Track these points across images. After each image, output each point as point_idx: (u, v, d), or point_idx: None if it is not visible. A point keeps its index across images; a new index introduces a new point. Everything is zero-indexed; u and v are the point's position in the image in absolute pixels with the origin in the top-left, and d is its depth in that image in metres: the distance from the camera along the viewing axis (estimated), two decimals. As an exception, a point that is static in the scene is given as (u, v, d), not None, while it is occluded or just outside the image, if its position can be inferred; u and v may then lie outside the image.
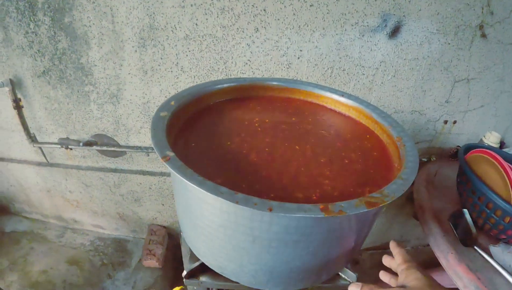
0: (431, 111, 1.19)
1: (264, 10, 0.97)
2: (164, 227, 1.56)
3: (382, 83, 1.12)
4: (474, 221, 0.89)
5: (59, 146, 1.25)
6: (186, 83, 1.11)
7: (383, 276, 0.54)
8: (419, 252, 1.63)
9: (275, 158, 0.54)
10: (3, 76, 1.15)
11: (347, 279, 0.62)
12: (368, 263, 1.61)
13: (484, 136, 1.18)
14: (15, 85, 1.17)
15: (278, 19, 0.99)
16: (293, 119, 0.69)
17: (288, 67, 1.08)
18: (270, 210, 0.35)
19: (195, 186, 0.38)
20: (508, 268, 0.79)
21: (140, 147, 1.26)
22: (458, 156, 0.95)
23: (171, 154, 0.45)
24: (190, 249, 0.61)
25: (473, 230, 0.87)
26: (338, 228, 0.43)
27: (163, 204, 1.48)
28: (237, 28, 1.01)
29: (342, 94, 0.74)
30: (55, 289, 1.30)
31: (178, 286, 0.81)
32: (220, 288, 0.63)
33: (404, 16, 0.98)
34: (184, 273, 0.58)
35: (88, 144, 1.24)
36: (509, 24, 1.04)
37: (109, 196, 1.46)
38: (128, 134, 1.25)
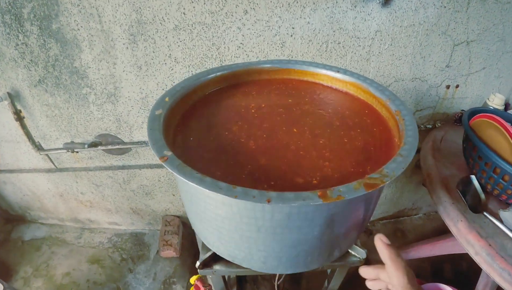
0: (432, 77, 1.16)
1: (251, -9, 0.94)
2: (178, 216, 1.60)
3: (379, 53, 1.09)
4: (483, 187, 0.88)
5: (65, 150, 1.27)
6: (181, 73, 1.10)
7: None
8: (432, 219, 1.64)
9: (274, 144, 0.54)
10: (0, 90, 1.16)
11: (357, 255, 0.63)
12: (381, 233, 1.63)
13: (488, 99, 1.15)
14: (13, 97, 1.18)
15: (266, -1, 0.96)
16: (290, 101, 0.68)
17: (282, 46, 1.06)
18: (269, 201, 0.36)
19: (194, 185, 0.38)
20: (519, 233, 0.78)
21: (144, 142, 1.27)
22: (462, 121, 0.93)
23: (168, 153, 0.45)
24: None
25: (482, 196, 0.86)
26: (341, 210, 0.43)
27: (174, 195, 1.51)
28: (226, 13, 0.99)
29: (338, 70, 0.72)
30: (80, 289, 1.35)
31: (195, 275, 0.84)
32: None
33: (395, -19, 0.95)
34: (198, 263, 0.60)
35: (93, 145, 1.25)
36: (505, -18, 1.00)
37: (121, 193, 1.49)
38: (130, 130, 1.26)
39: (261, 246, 0.47)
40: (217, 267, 0.61)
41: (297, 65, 0.77)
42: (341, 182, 0.46)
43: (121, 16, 0.98)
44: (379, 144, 0.55)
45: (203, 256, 0.61)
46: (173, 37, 1.03)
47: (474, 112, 0.94)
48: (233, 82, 0.77)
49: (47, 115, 1.22)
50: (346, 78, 0.71)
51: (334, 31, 1.04)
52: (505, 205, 0.88)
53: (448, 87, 1.20)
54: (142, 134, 1.27)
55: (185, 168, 0.42)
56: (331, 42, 1.06)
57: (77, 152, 1.30)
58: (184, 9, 0.97)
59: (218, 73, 0.75)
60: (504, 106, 1.12)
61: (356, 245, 0.63)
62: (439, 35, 1.07)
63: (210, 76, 0.73)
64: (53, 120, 1.23)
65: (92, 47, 1.04)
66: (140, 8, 0.97)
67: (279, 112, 0.64)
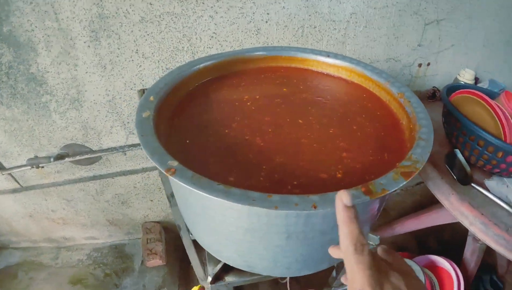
0: (405, 56, 1.19)
1: (223, -24, 0.88)
2: (158, 222, 1.52)
3: (354, 35, 1.09)
4: (467, 160, 0.92)
5: (29, 167, 1.13)
6: (151, 70, 1.03)
7: None
8: (410, 193, 1.70)
9: (283, 139, 0.50)
10: (-51, 108, 1.00)
11: (370, 242, 0.61)
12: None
13: (459, 74, 1.19)
14: (-35, 114, 1.02)
15: (240, -16, 0.91)
16: (284, 90, 0.65)
17: (257, 33, 1.02)
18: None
19: (220, 199, 0.33)
20: (505, 199, 0.83)
21: (115, 148, 1.17)
22: (442, 98, 0.95)
23: (174, 163, 0.39)
24: (199, 249, 0.57)
25: (467, 168, 0.90)
26: (375, 201, 0.40)
27: (151, 200, 1.43)
28: (196, 0, 0.92)
29: (328, 54, 0.70)
30: (66, 314, 1.24)
31: (196, 286, 0.79)
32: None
33: (369, -39, 0.93)
34: (209, 279, 0.54)
35: (59, 157, 1.13)
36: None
37: (94, 205, 1.38)
38: (99, 137, 1.16)
39: (288, 253, 0.43)
40: (229, 278, 0.57)
41: (283, 52, 0.73)
42: (365, 172, 0.44)
43: (80, 11, 0.88)
44: (388, 129, 0.53)
45: (213, 269, 0.55)
46: (140, 30, 0.94)
47: (451, 89, 0.97)
48: (217, 74, 0.72)
49: (5, 130, 1.08)
50: (338, 62, 0.69)
51: (309, 15, 1.01)
52: (489, 175, 0.92)
53: (420, 65, 1.24)
54: (112, 139, 1.17)
55: (201, 180, 0.36)
56: (307, 27, 1.04)
57: (42, 167, 1.17)
58: (150, -1, 0.89)
59: (201, 65, 0.69)
60: (474, 81, 1.17)
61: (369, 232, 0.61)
62: (411, 15, 1.09)
63: (194, 68, 0.68)
64: (12, 135, 1.09)
65: (50, 49, 0.93)
66: (101, 0, 0.87)
67: (277, 102, 0.60)
